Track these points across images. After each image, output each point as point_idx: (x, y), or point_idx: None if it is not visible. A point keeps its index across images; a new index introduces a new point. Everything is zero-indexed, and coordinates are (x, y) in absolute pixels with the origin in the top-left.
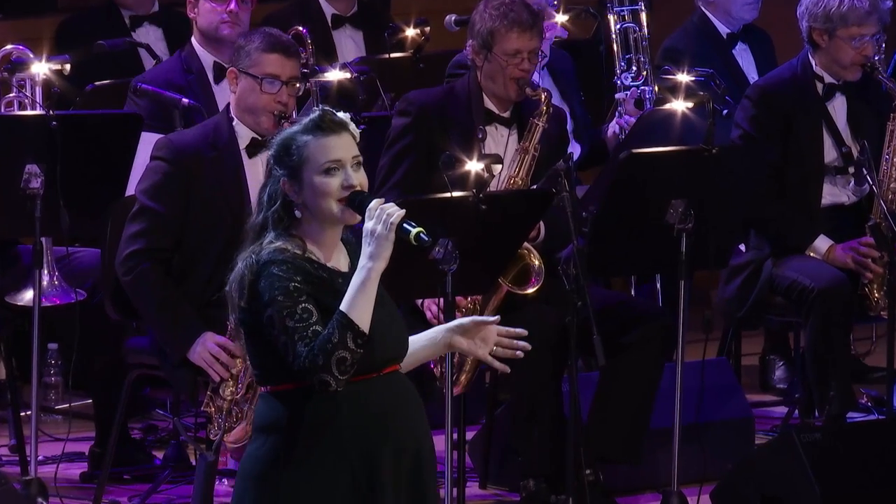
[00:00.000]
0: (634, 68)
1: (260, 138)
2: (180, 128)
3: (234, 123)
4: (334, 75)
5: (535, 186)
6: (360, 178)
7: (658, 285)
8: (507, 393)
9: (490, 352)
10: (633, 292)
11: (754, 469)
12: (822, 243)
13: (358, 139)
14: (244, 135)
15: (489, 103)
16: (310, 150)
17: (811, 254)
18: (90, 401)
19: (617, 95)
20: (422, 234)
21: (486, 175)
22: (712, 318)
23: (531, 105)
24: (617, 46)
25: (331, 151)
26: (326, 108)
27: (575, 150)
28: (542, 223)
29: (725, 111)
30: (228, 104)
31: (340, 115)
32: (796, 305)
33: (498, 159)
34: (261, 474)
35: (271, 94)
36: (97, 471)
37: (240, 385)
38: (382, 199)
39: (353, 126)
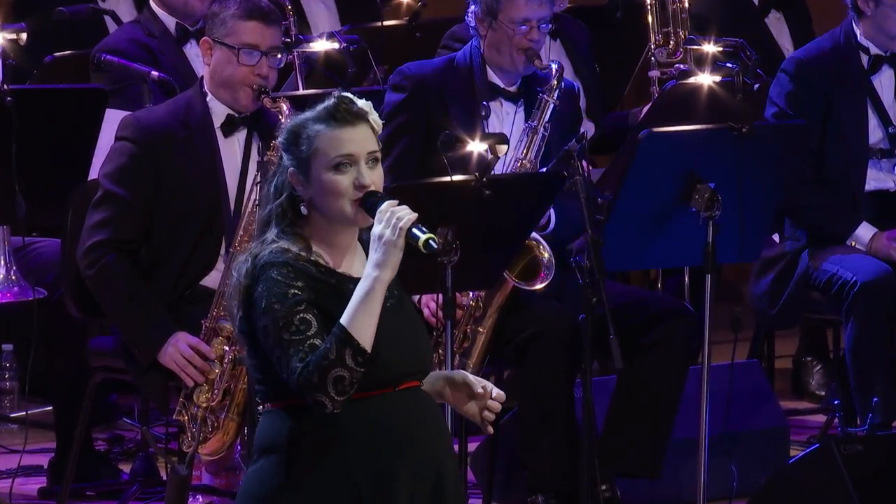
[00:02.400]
0: (672, 43)
1: (237, 115)
2: (149, 104)
3: (207, 99)
4: (320, 45)
5: (544, 169)
6: (374, 177)
7: (686, 279)
8: (513, 400)
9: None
10: (660, 286)
11: (789, 484)
12: (865, 232)
13: (379, 130)
14: (219, 112)
15: (494, 77)
16: (320, 141)
17: (853, 244)
18: (49, 408)
19: (651, 73)
20: (431, 241)
21: (490, 157)
22: (742, 316)
23: (541, 79)
24: (653, 18)
25: (343, 145)
26: (344, 94)
27: (588, 129)
28: (552, 210)
29: (757, 86)
30: (202, 77)
31: (360, 103)
32: (836, 301)
33: (503, 139)
34: (261, 496)
35: (249, 67)
36: (57, 486)
37: (215, 391)
38: (396, 201)
39: (374, 116)
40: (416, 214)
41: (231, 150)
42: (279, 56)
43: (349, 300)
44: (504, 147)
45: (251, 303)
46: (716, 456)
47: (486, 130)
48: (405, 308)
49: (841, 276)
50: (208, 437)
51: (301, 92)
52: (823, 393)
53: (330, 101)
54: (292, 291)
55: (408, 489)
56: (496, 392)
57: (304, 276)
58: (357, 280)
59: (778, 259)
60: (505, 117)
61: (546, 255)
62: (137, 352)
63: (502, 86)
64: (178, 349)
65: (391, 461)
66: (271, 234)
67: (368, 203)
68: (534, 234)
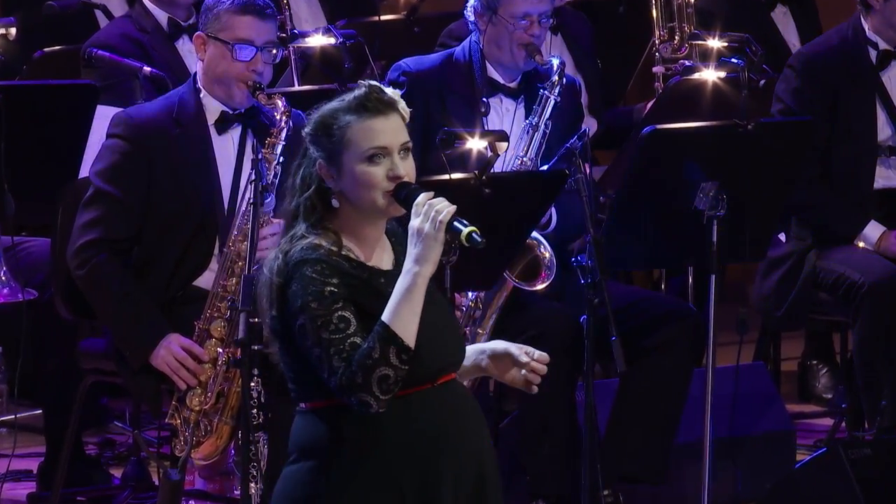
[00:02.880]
0: (677, 38)
1: (231, 112)
2: (141, 100)
3: (201, 95)
4: (316, 40)
5: (545, 167)
6: (407, 168)
7: (690, 280)
8: (513, 403)
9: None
10: (663, 287)
11: (795, 489)
12: (874, 231)
13: (408, 120)
14: (213, 108)
15: (494, 72)
16: (352, 132)
17: (860, 244)
18: (39, 411)
19: (655, 69)
20: (474, 234)
21: (489, 154)
22: (747, 318)
23: (542, 75)
24: (657, 12)
25: (376, 136)
26: (374, 83)
27: (590, 126)
28: (553, 209)
29: (763, 81)
30: (195, 73)
31: (389, 92)
32: (843, 303)
33: (503, 136)
34: (299, 499)
35: (244, 62)
36: (46, 491)
37: (209, 394)
38: (431, 193)
39: (403, 105)
40: (454, 207)
41: (225, 147)
42: (274, 51)
43: (381, 294)
44: (504, 144)
45: (285, 301)
46: (720, 460)
47: (486, 127)
48: (436, 299)
49: (848, 276)
50: (201, 442)
51: (297, 88)
52: (830, 396)
53: (360, 91)
54: (328, 289)
55: (452, 491)
56: (538, 354)
57: (338, 272)
58: (386, 273)
59: (784, 259)
60: (505, 114)
61: (547, 254)
62: (129, 354)
63: (502, 82)
64: (171, 351)
65: (434, 461)
66: (300, 229)
67: (402, 195)
68: (534, 234)
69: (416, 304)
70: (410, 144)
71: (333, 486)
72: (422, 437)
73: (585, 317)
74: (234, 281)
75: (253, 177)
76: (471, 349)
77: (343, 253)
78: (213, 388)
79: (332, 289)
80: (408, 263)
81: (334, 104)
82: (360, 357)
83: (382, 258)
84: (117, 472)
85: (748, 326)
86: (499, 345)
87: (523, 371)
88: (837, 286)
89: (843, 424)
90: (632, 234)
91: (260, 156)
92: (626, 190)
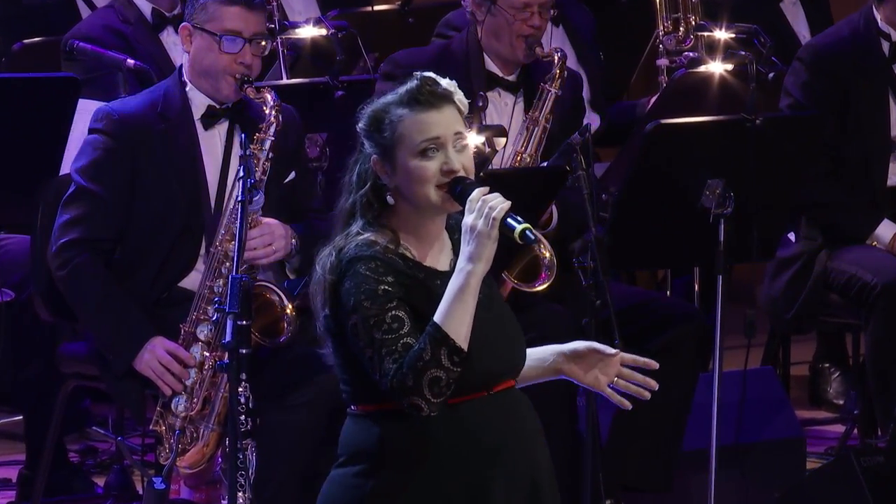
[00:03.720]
0: (682, 29)
1: (218, 107)
2: (124, 94)
3: (187, 89)
4: (307, 32)
5: (545, 164)
6: (463, 161)
7: (696, 280)
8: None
9: (610, 383)
10: (668, 288)
11: (805, 499)
12: (886, 230)
13: (466, 112)
14: (199, 102)
15: (492, 65)
16: (405, 126)
17: (873, 243)
18: (18, 417)
19: (658, 62)
20: (528, 232)
21: (487, 150)
22: (756, 320)
23: (542, 68)
24: (661, 3)
25: (429, 129)
26: (427, 74)
27: (592, 121)
28: (554, 207)
29: (771, 75)
30: (181, 66)
31: (444, 83)
32: (855, 304)
33: (502, 132)
34: (344, 503)
35: (232, 55)
36: (27, 500)
37: (195, 400)
38: (486, 189)
39: (459, 96)
40: (509, 203)
41: (212, 143)
42: (263, 43)
43: (436, 296)
44: (502, 140)
45: (338, 300)
46: (727, 469)
47: (484, 122)
48: (496, 304)
49: (860, 277)
50: (187, 449)
51: (287, 81)
52: (842, 402)
53: (412, 83)
54: (382, 288)
55: (502, 500)
56: (627, 356)
57: (392, 270)
58: (443, 274)
59: (793, 259)
60: (503, 108)
61: (547, 254)
62: (112, 358)
63: (501, 75)
64: (155, 355)
65: (485, 471)
66: (356, 226)
67: (457, 190)
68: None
69: (470, 304)
70: (466, 138)
71: (380, 492)
72: (474, 447)
73: (587, 319)
74: (221, 282)
75: (241, 174)
76: (544, 350)
77: (400, 251)
78: (200, 394)
79: (386, 287)
80: (461, 262)
81: (387, 98)
82: (411, 359)
83: (439, 258)
84: (100, 481)
85: (756, 329)
86: (579, 345)
87: (607, 375)
88: (849, 287)
89: (856, 431)
90: (635, 233)
91: (248, 152)
92: (629, 187)
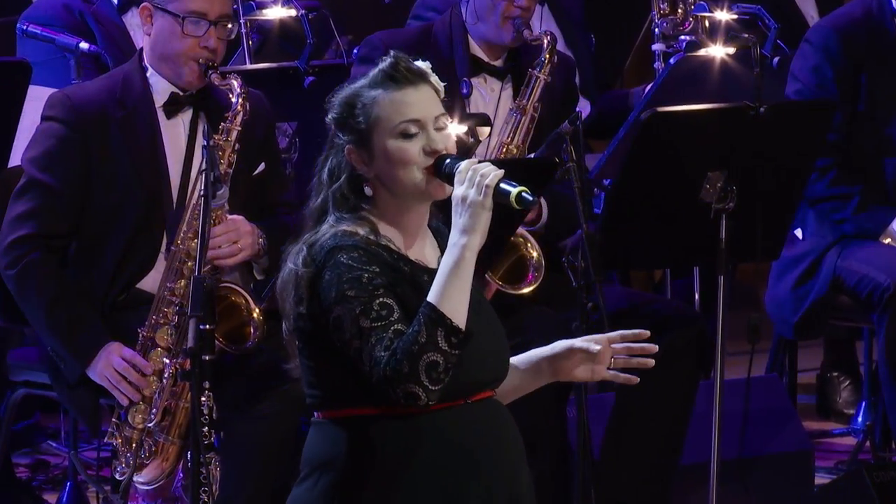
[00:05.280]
0: (679, 11)
1: (181, 94)
2: (78, 80)
3: (148, 74)
4: (274, 13)
5: (533, 155)
6: (445, 140)
7: (696, 281)
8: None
9: (609, 366)
10: (666, 290)
11: None
12: None
13: (441, 93)
14: (161, 89)
15: (477, 49)
16: (381, 107)
17: (886, 241)
18: None
19: (654, 47)
20: (524, 194)
21: (470, 140)
22: (760, 324)
23: (531, 53)
24: None
25: (408, 108)
26: (400, 54)
27: (584, 108)
28: (543, 203)
29: (777, 59)
30: (141, 50)
31: (419, 62)
32: (867, 307)
33: (486, 120)
34: None
35: (196, 38)
36: None
37: (154, 411)
38: (476, 160)
39: (434, 78)
40: (501, 171)
41: (174, 132)
42: (229, 26)
43: (424, 292)
44: (487, 129)
45: (315, 294)
46: (729, 484)
47: (468, 110)
48: (483, 309)
49: (873, 277)
50: (145, 464)
51: (255, 66)
52: (852, 412)
53: (385, 62)
54: (367, 275)
55: None
56: (614, 334)
57: (377, 260)
58: (431, 270)
59: (800, 258)
60: (489, 95)
61: (534, 253)
62: (64, 365)
63: (487, 60)
64: (111, 362)
65: (461, 483)
66: (328, 220)
67: (444, 167)
68: (520, 230)
69: (465, 280)
70: (447, 118)
71: None
72: (449, 458)
73: (577, 323)
74: (182, 283)
75: (204, 166)
76: (521, 359)
77: (383, 243)
78: (159, 404)
79: (371, 276)
80: (453, 236)
81: (358, 82)
82: (405, 343)
83: (425, 252)
84: (52, 498)
85: (761, 334)
86: (557, 345)
87: (596, 365)
88: (860, 288)
89: (868, 444)
90: (630, 230)
91: (213, 143)
92: (623, 180)
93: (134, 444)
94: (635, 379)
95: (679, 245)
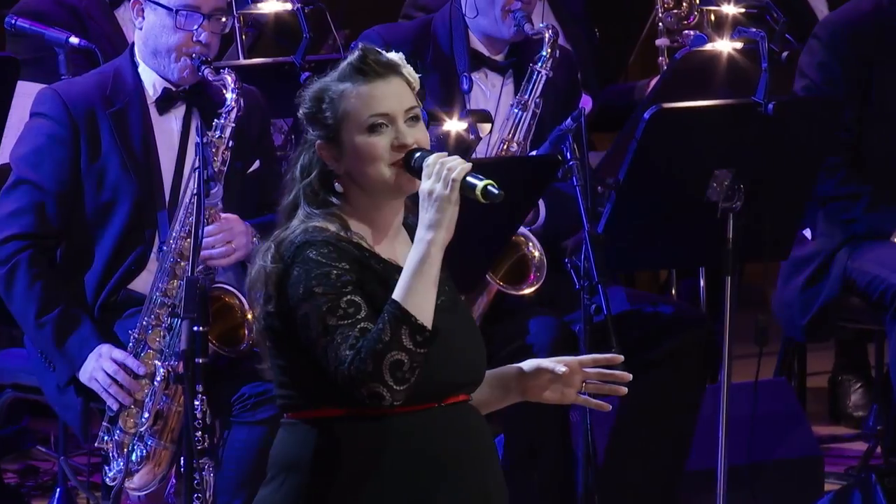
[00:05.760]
0: (684, 5)
1: (174, 89)
2: (68, 75)
3: (139, 70)
4: (270, 6)
5: (535, 152)
6: (417, 135)
7: (702, 282)
8: (497, 424)
9: (580, 390)
10: (672, 291)
11: None
12: None
13: (416, 86)
14: (153, 84)
15: (478, 44)
16: (349, 101)
17: None
18: None
19: (659, 42)
20: (490, 188)
21: (471, 137)
22: (768, 327)
23: (532, 47)
24: None
25: (376, 102)
26: (368, 46)
27: (585, 104)
28: (542, 202)
29: (785, 54)
30: (132, 44)
31: (390, 54)
32: (878, 309)
33: (487, 117)
34: None
35: (189, 32)
36: None
37: (146, 414)
38: (444, 153)
39: (409, 70)
40: (469, 164)
41: (167, 129)
42: (224, 20)
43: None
44: (487, 126)
45: (284, 291)
46: (737, 491)
47: (468, 107)
48: (459, 309)
49: (884, 278)
50: (137, 469)
51: (250, 61)
52: (864, 414)
53: (354, 55)
54: (335, 272)
55: None
56: (586, 357)
57: (347, 257)
58: (403, 268)
59: (810, 259)
60: (490, 91)
61: (536, 254)
62: (54, 367)
63: (487, 55)
64: (102, 365)
65: (429, 489)
66: (298, 217)
67: (413, 161)
68: (522, 230)
69: (431, 276)
70: (419, 111)
71: None
72: (419, 461)
73: (580, 326)
74: (175, 284)
75: (197, 164)
76: (491, 374)
77: (354, 240)
78: (151, 408)
79: (340, 272)
80: (419, 231)
81: (327, 75)
82: (369, 342)
83: (396, 250)
84: None
85: (769, 336)
86: (525, 364)
87: (568, 386)
88: (871, 290)
89: (879, 449)
90: (634, 229)
91: (206, 140)
92: (627, 179)
93: (125, 449)
94: (607, 406)
95: (685, 245)
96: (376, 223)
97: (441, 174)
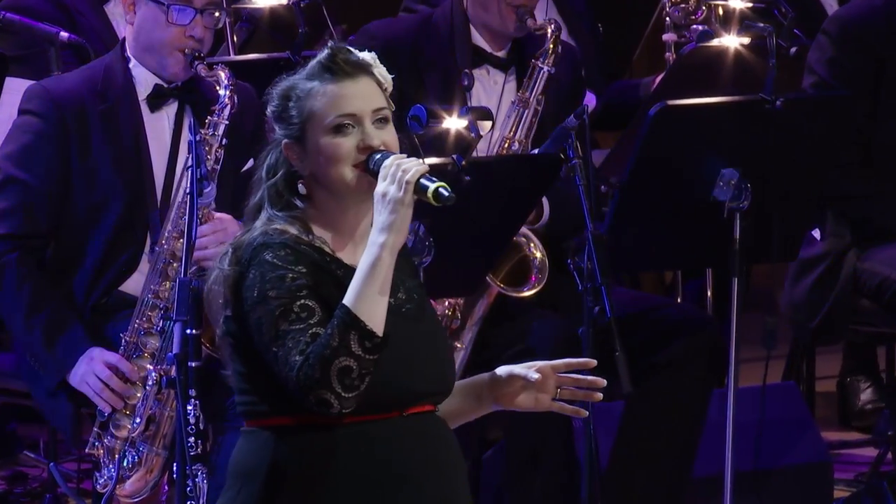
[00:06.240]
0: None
1: (166, 85)
2: (58, 71)
3: (130, 66)
4: (265, 0)
5: (537, 151)
6: (384, 137)
7: (708, 284)
8: (498, 430)
9: (554, 397)
10: (677, 293)
11: None
12: None
13: (388, 87)
14: (144, 81)
15: (479, 39)
16: (316, 100)
17: None
18: None
19: (664, 37)
20: (441, 189)
21: (471, 135)
22: (776, 329)
23: (534, 42)
24: None
25: (343, 102)
26: (340, 44)
27: (589, 101)
28: (545, 201)
29: (794, 49)
30: (123, 40)
31: (361, 53)
32: (889, 311)
33: (487, 114)
34: None
35: (181, 27)
36: None
37: (138, 419)
38: (403, 155)
39: (380, 70)
40: (426, 166)
41: (158, 126)
42: (217, 14)
43: None
44: (488, 124)
45: (239, 295)
46: (744, 497)
47: (469, 103)
48: (426, 316)
49: (895, 279)
50: (128, 476)
51: (245, 57)
52: (874, 410)
53: (323, 53)
54: (291, 276)
55: None
56: (559, 362)
57: (306, 261)
58: None
59: (819, 260)
60: (492, 88)
61: (538, 254)
62: (43, 371)
63: (489, 50)
64: (93, 368)
65: (389, 500)
66: (260, 219)
67: (372, 163)
68: (523, 230)
69: (383, 281)
70: (388, 112)
71: None
72: (378, 472)
73: (583, 329)
74: (167, 286)
75: (190, 162)
76: (462, 383)
77: (315, 244)
78: (143, 413)
79: (295, 276)
80: (372, 234)
81: (296, 73)
82: (318, 347)
83: (360, 255)
84: None
85: (777, 339)
86: (498, 371)
87: (541, 394)
88: (882, 291)
89: (889, 455)
90: (639, 229)
91: (199, 137)
92: (631, 178)
93: (116, 455)
94: (584, 412)
95: (691, 245)
96: (340, 227)
97: (396, 176)
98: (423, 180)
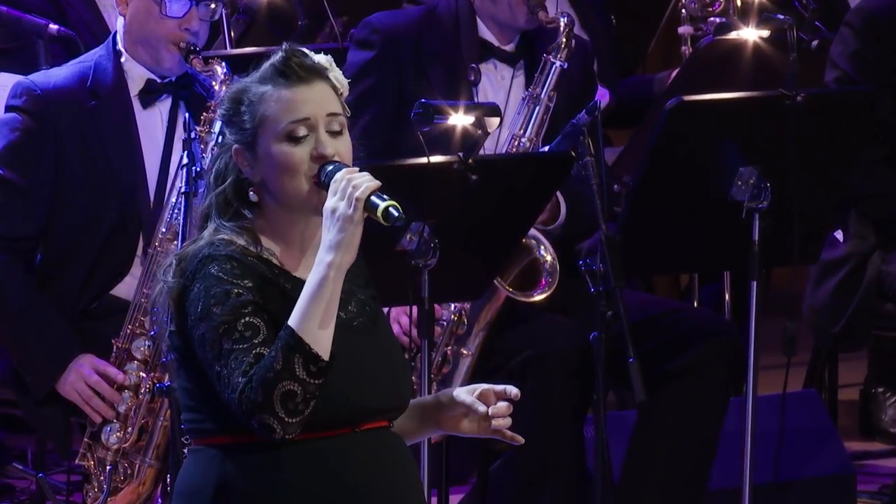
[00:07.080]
0: None
1: (159, 80)
2: (46, 66)
3: (122, 60)
4: None
5: (548, 149)
6: (338, 146)
7: (726, 288)
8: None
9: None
10: (694, 297)
11: None
12: None
13: (344, 91)
14: (137, 76)
15: (486, 32)
16: (268, 105)
17: None
18: None
19: (680, 30)
20: (392, 209)
21: (478, 132)
22: (797, 335)
23: (545, 36)
24: None
25: (296, 107)
26: (294, 47)
27: (602, 97)
28: (561, 201)
29: (815, 43)
30: (114, 33)
31: (316, 57)
32: None
33: (495, 111)
34: None
35: (176, 19)
36: None
37: (129, 429)
38: (355, 169)
39: (336, 74)
40: (377, 182)
41: (151, 123)
42: (213, 6)
43: None
44: (496, 120)
45: (184, 309)
46: None
47: (475, 99)
48: (379, 330)
49: None
50: (120, 488)
51: (242, 50)
52: None
53: (277, 56)
54: (236, 291)
55: None
56: (499, 388)
57: (252, 274)
58: None
59: (841, 262)
60: (500, 83)
61: (548, 257)
62: (31, 379)
63: (497, 44)
64: (83, 376)
65: None
66: (208, 229)
67: (324, 176)
68: (533, 231)
69: (330, 302)
70: (344, 119)
71: None
72: (330, 490)
73: (596, 334)
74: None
75: (185, 160)
76: (412, 403)
77: (264, 256)
78: (135, 422)
79: (241, 291)
80: (320, 253)
81: (249, 76)
82: (261, 370)
83: (309, 268)
84: None
85: (798, 346)
86: (443, 395)
87: (482, 422)
88: None
89: None
90: (654, 231)
91: (194, 134)
92: (646, 176)
93: (108, 467)
94: (520, 439)
95: (708, 247)
96: (290, 239)
97: (346, 192)
98: (373, 198)
